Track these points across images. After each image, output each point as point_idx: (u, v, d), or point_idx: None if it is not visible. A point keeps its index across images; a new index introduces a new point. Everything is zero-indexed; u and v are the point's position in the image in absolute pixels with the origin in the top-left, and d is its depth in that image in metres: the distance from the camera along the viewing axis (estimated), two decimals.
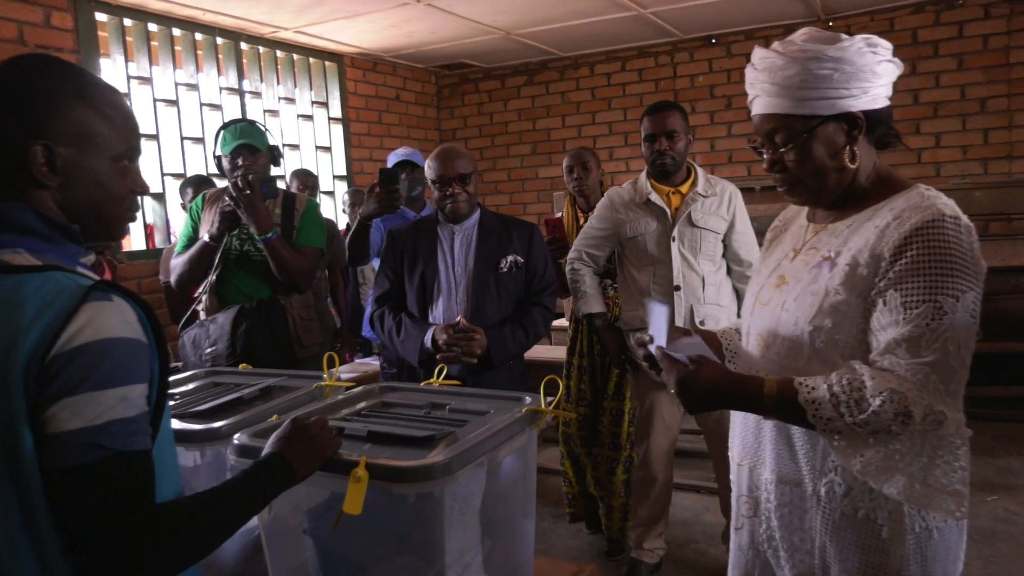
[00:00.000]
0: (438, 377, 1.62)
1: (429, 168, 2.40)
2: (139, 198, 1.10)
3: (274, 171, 2.79)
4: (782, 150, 1.24)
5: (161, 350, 0.96)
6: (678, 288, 2.57)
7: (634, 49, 5.95)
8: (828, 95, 1.18)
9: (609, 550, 3.01)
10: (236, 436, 1.26)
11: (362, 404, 1.50)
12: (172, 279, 2.65)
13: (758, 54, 1.25)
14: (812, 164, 1.23)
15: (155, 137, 4.34)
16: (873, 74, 1.19)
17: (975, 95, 5.00)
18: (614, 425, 2.92)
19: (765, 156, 1.28)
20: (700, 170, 2.67)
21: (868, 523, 1.19)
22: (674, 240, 2.58)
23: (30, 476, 0.86)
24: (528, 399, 1.42)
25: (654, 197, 2.61)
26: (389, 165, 3.30)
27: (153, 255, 4.26)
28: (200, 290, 2.64)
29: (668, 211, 2.59)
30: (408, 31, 5.05)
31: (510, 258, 2.38)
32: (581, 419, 2.98)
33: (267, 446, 1.12)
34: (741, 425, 1.41)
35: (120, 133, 1.02)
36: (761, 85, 1.24)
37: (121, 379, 0.88)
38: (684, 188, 2.63)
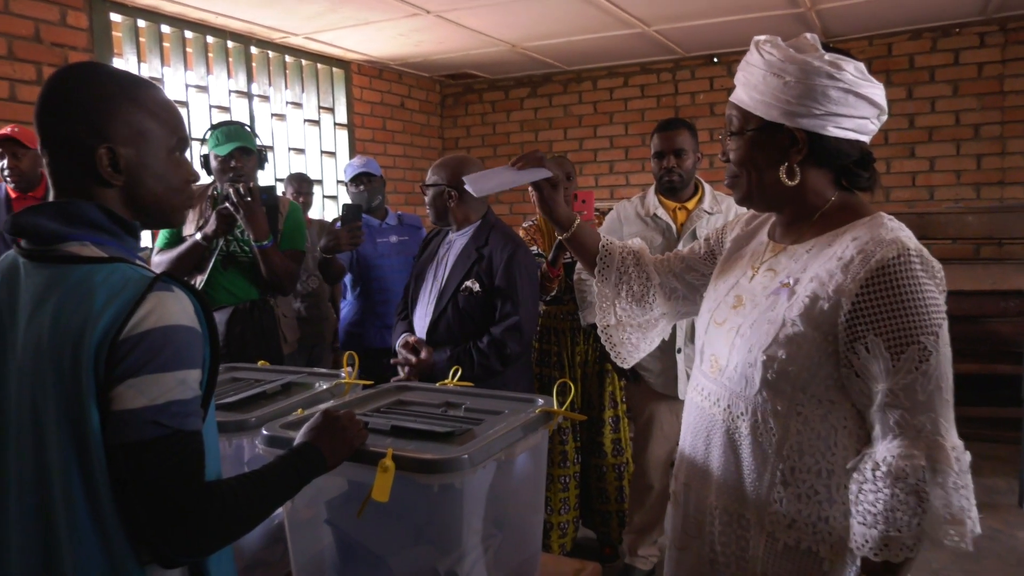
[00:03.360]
0: (452, 378, 1.68)
1: None
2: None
3: (262, 177, 2.88)
4: (729, 139, 1.26)
5: (212, 339, 1.02)
6: None
7: (636, 65, 6.04)
8: (772, 101, 1.18)
9: (605, 556, 3.07)
10: (265, 427, 1.32)
11: (380, 401, 1.56)
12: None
13: (750, 47, 1.25)
14: (748, 163, 1.24)
15: None
16: (824, 97, 1.15)
17: (969, 121, 5.11)
18: (614, 432, 2.99)
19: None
20: (708, 187, 2.74)
21: (810, 556, 1.19)
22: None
23: (94, 450, 0.93)
24: (540, 401, 1.48)
25: (660, 212, 2.68)
26: (346, 178, 3.38)
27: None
28: None
29: (673, 226, 2.67)
30: (416, 40, 5.13)
31: (468, 283, 2.31)
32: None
33: (300, 435, 1.18)
34: (690, 446, 1.38)
35: (169, 128, 1.09)
36: (739, 74, 1.26)
37: (181, 363, 0.95)
38: (690, 204, 2.70)
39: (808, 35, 1.21)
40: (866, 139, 1.22)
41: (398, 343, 2.40)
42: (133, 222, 1.06)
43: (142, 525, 0.94)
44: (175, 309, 0.96)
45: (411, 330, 2.46)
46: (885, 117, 1.22)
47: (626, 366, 1.60)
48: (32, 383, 0.96)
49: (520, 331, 2.28)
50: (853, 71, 1.16)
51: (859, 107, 1.17)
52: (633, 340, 1.58)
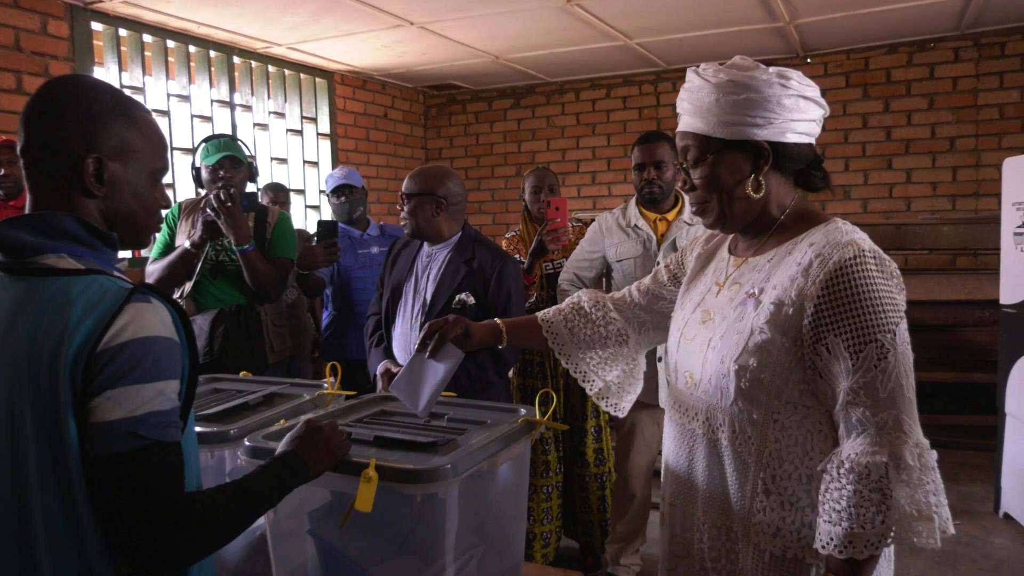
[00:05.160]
0: None
1: None
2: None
3: (250, 186, 2.89)
4: (691, 169, 1.28)
5: (191, 349, 1.02)
6: None
7: (619, 77, 6.10)
8: (733, 120, 1.21)
9: (588, 565, 3.07)
10: (248, 438, 1.32)
11: (363, 412, 1.56)
12: (150, 283, 2.71)
13: (688, 75, 1.29)
14: (716, 186, 1.26)
15: None
16: (780, 106, 1.20)
17: (944, 134, 5.20)
18: (596, 442, 3.00)
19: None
20: (687, 199, 2.77)
21: (797, 563, 1.20)
22: (658, 265, 2.67)
23: (72, 462, 0.93)
24: (523, 411, 1.49)
25: (641, 223, 2.71)
26: (328, 189, 3.39)
27: (137, 263, 4.28)
28: (177, 296, 2.71)
29: (654, 237, 2.70)
30: (399, 51, 5.15)
31: (462, 296, 2.30)
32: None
33: (282, 445, 1.18)
34: (673, 464, 1.39)
35: (156, 152, 1.11)
36: (682, 104, 1.29)
37: (159, 374, 0.95)
38: (671, 215, 2.73)
39: (739, 57, 1.26)
40: (814, 141, 1.28)
41: (379, 371, 2.37)
42: (111, 234, 1.06)
43: (122, 536, 0.94)
44: (153, 320, 0.97)
45: (390, 356, 2.41)
46: (827, 114, 1.28)
47: (624, 414, 1.60)
48: (9, 395, 0.95)
49: None
50: (798, 78, 1.23)
51: (809, 110, 1.24)
52: (625, 387, 1.58)
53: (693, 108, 1.26)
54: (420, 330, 2.27)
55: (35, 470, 0.94)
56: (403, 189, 2.36)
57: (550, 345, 1.54)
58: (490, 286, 2.30)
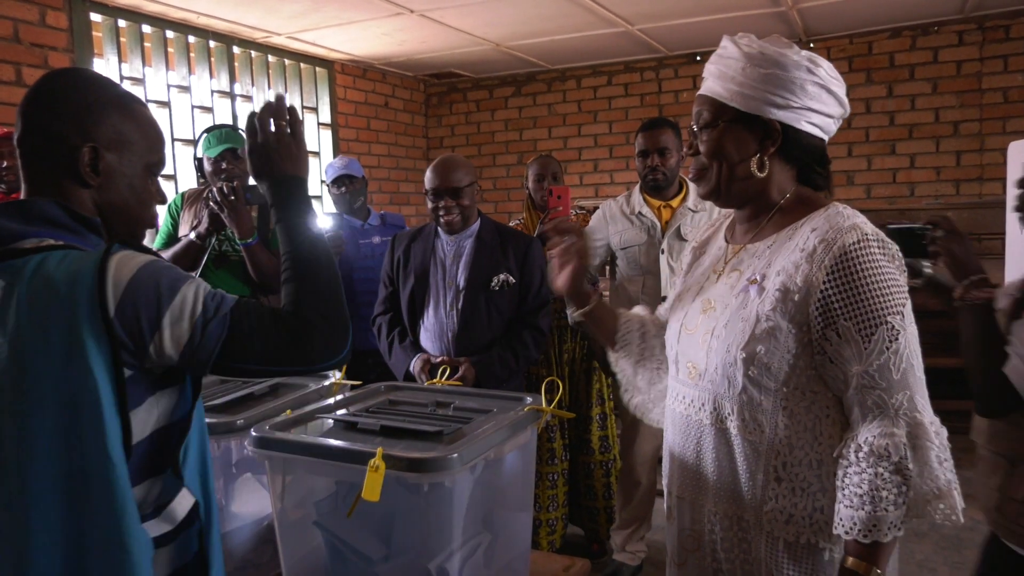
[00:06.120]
0: (441, 377, 1.69)
1: (426, 179, 2.42)
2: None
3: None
4: (699, 132, 1.27)
5: None
6: (665, 299, 2.67)
7: (620, 64, 6.06)
8: (752, 93, 1.20)
9: (593, 552, 3.09)
10: (254, 428, 1.32)
11: (369, 401, 1.56)
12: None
13: (723, 42, 1.27)
14: (719, 155, 1.24)
15: None
16: (802, 90, 1.19)
17: (948, 118, 5.17)
18: (601, 429, 3.01)
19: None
20: (692, 185, 2.77)
21: (811, 549, 1.20)
22: (663, 252, 2.67)
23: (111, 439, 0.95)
24: (529, 399, 1.49)
25: (645, 210, 2.71)
26: (328, 180, 3.38)
27: None
28: None
29: (658, 224, 2.69)
30: (400, 40, 5.12)
31: (501, 276, 2.34)
32: None
33: (260, 185, 1.18)
34: (679, 456, 1.36)
35: (152, 145, 1.12)
36: (709, 68, 1.27)
37: (179, 280, 0.99)
38: (675, 202, 2.73)
39: (775, 35, 1.25)
40: (826, 138, 1.27)
41: (416, 367, 2.33)
42: (94, 219, 1.06)
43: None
44: (140, 257, 0.99)
45: (419, 349, 2.39)
46: (846, 115, 1.27)
47: (655, 422, 1.57)
48: (9, 382, 0.95)
49: (549, 316, 2.41)
50: (827, 68, 1.22)
51: (829, 104, 1.23)
52: (655, 394, 1.55)
53: (718, 72, 1.25)
54: (456, 316, 2.32)
55: (40, 457, 0.94)
56: (447, 183, 2.33)
57: (617, 336, 1.51)
58: (523, 267, 2.38)
